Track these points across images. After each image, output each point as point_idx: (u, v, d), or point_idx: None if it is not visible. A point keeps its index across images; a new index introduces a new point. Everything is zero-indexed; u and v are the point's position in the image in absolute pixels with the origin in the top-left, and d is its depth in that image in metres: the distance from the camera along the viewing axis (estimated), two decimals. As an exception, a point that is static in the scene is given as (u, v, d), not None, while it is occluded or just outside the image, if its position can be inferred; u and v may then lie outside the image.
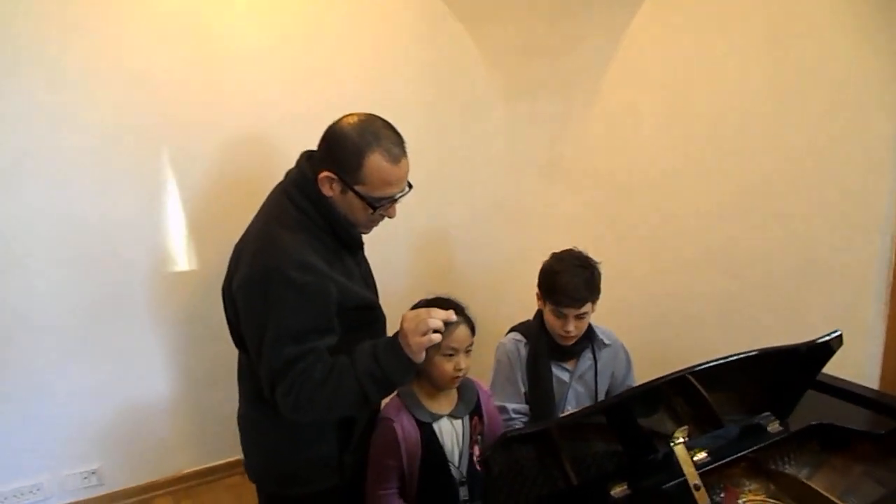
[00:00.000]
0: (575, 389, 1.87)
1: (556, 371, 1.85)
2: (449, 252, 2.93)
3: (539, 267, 1.86)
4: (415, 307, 1.58)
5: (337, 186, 1.33)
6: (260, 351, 1.27)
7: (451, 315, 1.30)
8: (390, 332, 1.52)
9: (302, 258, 1.27)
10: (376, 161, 1.29)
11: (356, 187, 1.31)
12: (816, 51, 1.82)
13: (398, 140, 1.34)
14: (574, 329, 1.75)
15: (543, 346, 1.83)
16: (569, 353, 1.84)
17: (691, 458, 1.13)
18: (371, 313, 1.47)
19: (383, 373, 1.25)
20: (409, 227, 2.75)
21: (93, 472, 2.35)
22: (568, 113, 2.73)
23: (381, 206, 1.34)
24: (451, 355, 1.48)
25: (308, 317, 1.26)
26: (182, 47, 2.18)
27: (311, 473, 1.46)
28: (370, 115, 1.35)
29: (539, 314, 1.87)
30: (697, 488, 1.04)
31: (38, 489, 2.27)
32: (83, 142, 2.11)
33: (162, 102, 2.18)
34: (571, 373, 1.85)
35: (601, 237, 2.68)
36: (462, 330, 1.49)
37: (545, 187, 2.92)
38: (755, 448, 1.27)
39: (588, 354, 1.86)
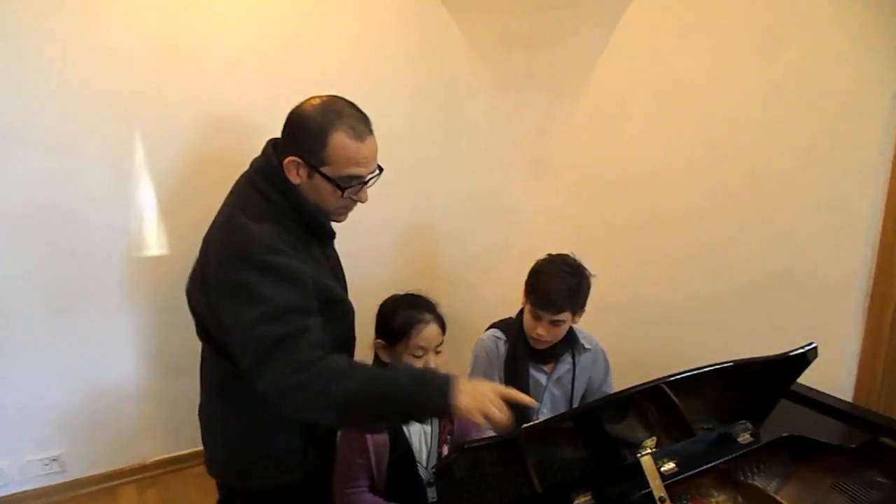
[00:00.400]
0: (551, 392, 1.84)
1: (533, 373, 1.82)
2: (431, 245, 2.88)
3: (522, 262, 1.83)
4: (384, 304, 1.55)
5: (304, 171, 1.28)
6: (245, 338, 1.19)
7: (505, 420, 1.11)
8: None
9: (270, 243, 1.22)
10: (340, 139, 1.24)
11: (322, 169, 1.26)
12: (807, 56, 1.80)
13: (363, 118, 1.30)
14: (546, 334, 1.72)
15: (522, 346, 1.80)
16: (548, 355, 1.81)
17: (659, 468, 1.11)
18: (339, 307, 1.42)
19: (427, 385, 1.14)
20: (390, 219, 2.70)
21: (54, 459, 2.30)
22: (555, 106, 2.69)
23: (350, 188, 1.29)
24: (419, 356, 1.44)
25: (291, 295, 1.20)
26: (154, 23, 2.11)
27: (274, 467, 1.42)
28: (333, 95, 1.31)
29: (521, 312, 1.84)
30: (662, 501, 1.01)
31: (-4, 475, 2.22)
32: (49, 121, 2.04)
33: (133, 81, 2.11)
34: (549, 375, 1.83)
35: (584, 233, 2.66)
36: (432, 329, 1.46)
37: (530, 181, 2.89)
38: (724, 459, 1.24)
39: (567, 358, 1.83)
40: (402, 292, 1.54)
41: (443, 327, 1.50)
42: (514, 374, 1.79)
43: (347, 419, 1.22)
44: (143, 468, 2.47)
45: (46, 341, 2.20)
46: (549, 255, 1.80)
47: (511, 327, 1.85)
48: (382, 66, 2.53)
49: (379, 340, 1.51)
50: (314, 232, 1.36)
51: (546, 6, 2.49)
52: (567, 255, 1.78)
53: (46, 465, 2.29)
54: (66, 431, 2.30)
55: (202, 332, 1.39)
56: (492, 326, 1.91)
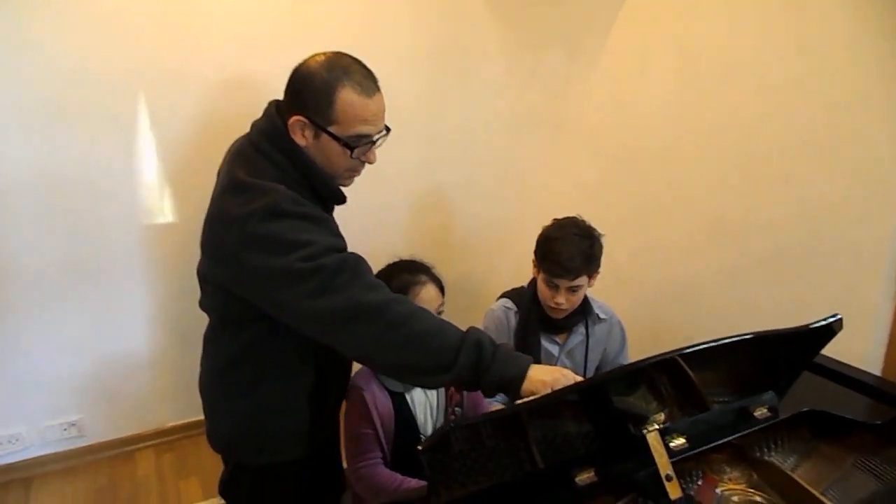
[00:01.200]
0: (563, 364, 1.79)
1: (545, 344, 1.77)
2: (444, 213, 2.82)
3: (537, 228, 1.76)
4: (378, 274, 1.50)
5: (309, 132, 1.22)
6: (291, 285, 1.10)
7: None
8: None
9: (292, 195, 1.16)
10: (348, 96, 1.18)
11: (330, 128, 1.20)
12: (835, 7, 1.67)
13: (369, 74, 1.23)
14: (565, 302, 1.66)
15: (534, 316, 1.75)
16: (560, 326, 1.76)
17: (668, 444, 1.05)
18: None
19: (493, 355, 1.06)
20: (403, 185, 2.64)
21: (73, 424, 2.34)
22: (572, 67, 2.59)
23: (358, 148, 1.23)
24: None
25: (329, 237, 1.15)
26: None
27: (278, 443, 1.39)
28: (337, 52, 1.24)
29: (533, 282, 1.78)
30: (669, 479, 0.96)
31: (16, 439, 2.26)
32: (51, 90, 2.00)
33: (136, 47, 2.06)
34: (561, 346, 1.78)
35: (602, 200, 2.58)
36: (429, 290, 1.42)
37: (546, 146, 2.80)
38: (739, 434, 1.18)
39: (580, 329, 1.77)
40: (395, 258, 1.49)
41: (441, 289, 1.46)
42: (524, 345, 1.74)
43: (412, 358, 1.08)
44: (161, 433, 2.51)
45: (61, 310, 2.21)
46: (556, 219, 1.73)
47: (522, 298, 1.79)
48: (395, 28, 2.43)
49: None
50: (323, 197, 1.30)
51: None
52: (574, 218, 1.72)
53: (65, 429, 2.33)
54: (83, 398, 2.34)
55: (211, 303, 1.35)
56: (503, 296, 1.86)
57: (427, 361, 1.07)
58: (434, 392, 1.54)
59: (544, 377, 1.04)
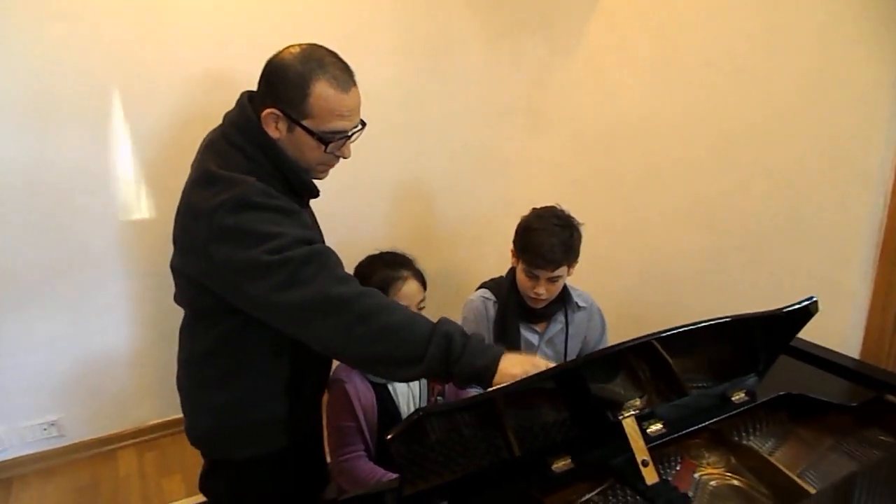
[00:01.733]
0: (544, 353, 1.78)
1: (524, 333, 1.76)
2: (425, 203, 2.81)
3: (519, 219, 1.75)
4: (359, 266, 1.49)
5: (283, 125, 1.20)
6: (260, 277, 1.08)
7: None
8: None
9: (262, 187, 1.14)
10: (322, 89, 1.16)
11: (304, 122, 1.18)
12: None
13: (345, 67, 1.20)
14: (545, 292, 1.65)
15: (513, 306, 1.74)
16: (540, 315, 1.75)
17: (645, 430, 1.05)
18: None
19: (462, 348, 1.05)
20: (383, 177, 2.63)
21: (52, 424, 2.31)
22: (551, 56, 2.57)
23: (333, 143, 1.21)
24: None
25: (298, 229, 1.13)
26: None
27: (257, 435, 1.37)
28: (313, 44, 1.21)
29: (512, 272, 1.77)
30: (645, 464, 0.96)
31: (-6, 440, 2.23)
32: (23, 86, 1.96)
33: (109, 42, 2.02)
34: (541, 336, 1.77)
35: (583, 186, 2.57)
36: (411, 285, 1.40)
37: (526, 134, 2.79)
38: (717, 419, 1.18)
39: (560, 317, 1.77)
40: (376, 251, 1.47)
41: (423, 283, 1.44)
42: (504, 335, 1.74)
43: (384, 349, 1.07)
44: (141, 431, 2.48)
45: (38, 308, 2.18)
46: (535, 209, 1.72)
47: (501, 288, 1.78)
48: (374, 19, 2.41)
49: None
50: (297, 190, 1.28)
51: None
52: (554, 208, 1.70)
53: (45, 429, 2.30)
54: (62, 397, 2.30)
55: (184, 296, 1.33)
56: (482, 286, 1.85)
57: (397, 353, 1.06)
58: (416, 383, 1.53)
59: (514, 369, 1.02)
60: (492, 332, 1.76)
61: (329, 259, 1.13)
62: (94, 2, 1.97)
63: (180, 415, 1.44)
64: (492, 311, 1.77)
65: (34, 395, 2.26)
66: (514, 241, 1.72)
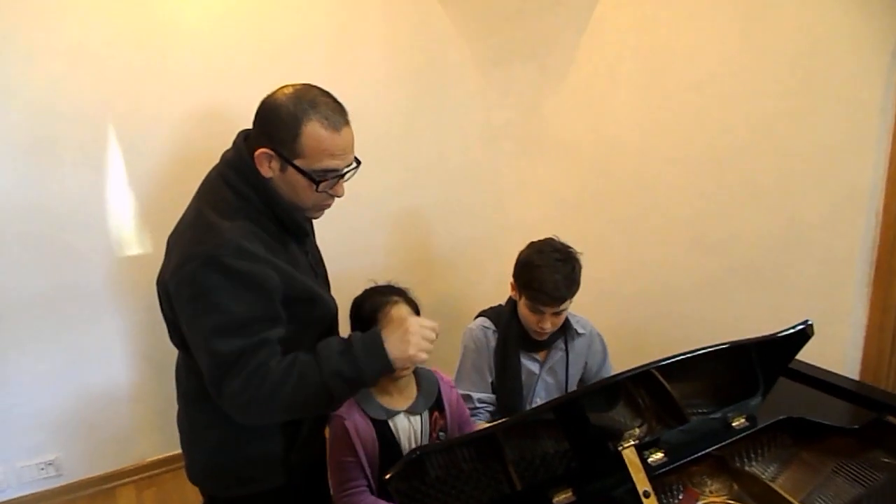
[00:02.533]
0: (545, 381, 1.78)
1: (525, 362, 1.76)
2: (423, 231, 2.82)
3: (517, 245, 1.75)
4: (355, 299, 1.49)
5: (276, 164, 1.21)
6: (203, 347, 1.16)
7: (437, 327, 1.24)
8: (342, 324, 1.43)
9: (239, 244, 1.16)
10: (314, 130, 1.17)
11: (295, 161, 1.19)
12: (798, 16, 1.70)
13: (338, 107, 1.22)
14: (550, 326, 1.66)
15: (514, 335, 1.74)
16: (540, 344, 1.75)
17: (646, 459, 1.04)
18: (319, 306, 1.36)
19: (359, 373, 1.15)
20: (381, 206, 2.64)
21: (49, 463, 2.28)
22: (544, 82, 2.60)
23: (325, 182, 1.22)
24: None
25: (252, 305, 1.15)
26: (125, 17, 2.04)
27: (255, 473, 1.37)
28: (306, 84, 1.23)
29: (511, 302, 1.77)
30: (647, 495, 0.95)
31: (-9, 482, 2.20)
32: (20, 121, 1.98)
33: (105, 78, 2.05)
34: (541, 364, 1.77)
35: (579, 213, 2.58)
36: (400, 308, 1.40)
37: (522, 161, 2.81)
38: (718, 446, 1.18)
39: (560, 345, 1.77)
40: (371, 283, 1.49)
41: (415, 309, 1.44)
42: (505, 365, 1.74)
43: (304, 412, 1.24)
44: (141, 468, 2.45)
45: (35, 345, 2.17)
46: (533, 243, 1.72)
47: (500, 317, 1.78)
48: (365, 51, 2.44)
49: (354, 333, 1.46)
50: (288, 228, 1.29)
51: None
52: (552, 240, 1.71)
53: (42, 469, 2.28)
54: (60, 435, 2.28)
55: (176, 337, 1.33)
56: (480, 315, 1.85)
57: (310, 409, 1.22)
58: (418, 418, 1.52)
59: (400, 353, 1.16)
60: (493, 361, 1.75)
61: (255, 359, 1.14)
62: (91, 39, 2.00)
63: (179, 450, 1.44)
64: (492, 341, 1.77)
65: (31, 434, 2.24)
66: (515, 276, 1.71)
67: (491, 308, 1.85)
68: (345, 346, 1.17)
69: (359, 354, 1.15)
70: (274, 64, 2.26)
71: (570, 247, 1.69)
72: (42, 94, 1.99)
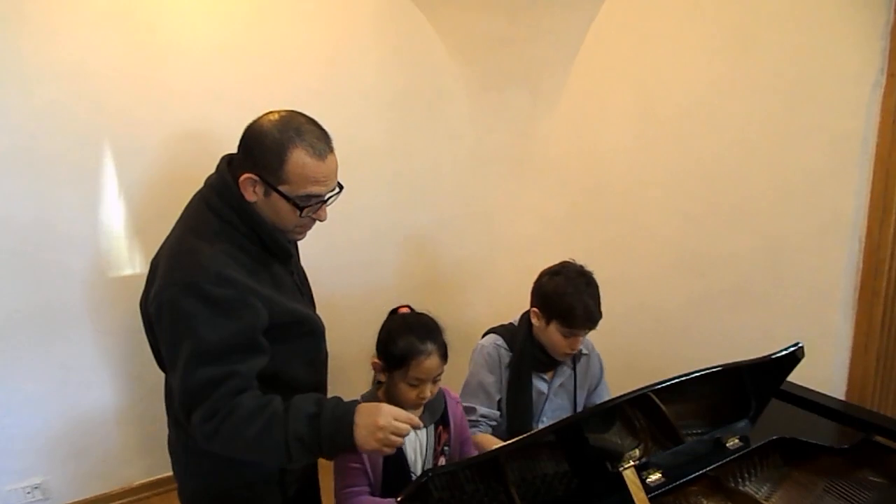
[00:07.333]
0: (553, 401, 1.80)
1: (535, 382, 1.78)
2: (416, 252, 2.84)
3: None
4: (388, 322, 1.47)
5: (260, 189, 1.23)
6: (177, 373, 1.16)
7: (417, 423, 1.24)
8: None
9: (219, 270, 1.17)
10: (299, 157, 1.19)
11: (280, 187, 1.21)
12: (785, 49, 1.77)
13: (323, 135, 1.24)
14: (580, 344, 1.71)
15: (528, 357, 1.76)
16: (548, 364, 1.78)
17: (645, 479, 1.06)
18: (306, 325, 1.36)
19: (318, 445, 1.15)
20: (374, 228, 2.65)
21: (36, 487, 2.24)
22: (535, 107, 2.66)
23: (308, 207, 1.24)
24: (415, 385, 1.38)
25: (228, 333, 1.16)
26: (118, 36, 2.05)
27: (251, 495, 1.36)
28: (292, 111, 1.26)
29: (527, 323, 1.78)
30: (648, 516, 0.97)
31: (-25, 507, 2.16)
32: (13, 139, 1.98)
33: (98, 97, 2.05)
34: (549, 383, 1.79)
35: (570, 235, 2.62)
36: (432, 361, 1.38)
37: (513, 184, 2.85)
38: (713, 466, 1.20)
39: (567, 365, 1.80)
40: (407, 309, 1.46)
41: (444, 356, 1.43)
42: (518, 383, 1.75)
43: (264, 458, 1.23)
44: (129, 492, 2.42)
45: (22, 368, 2.14)
46: (553, 271, 1.74)
47: (516, 337, 1.80)
48: (358, 75, 2.47)
49: (377, 361, 1.45)
50: (271, 251, 1.31)
51: (520, 5, 2.45)
52: (569, 264, 1.74)
53: (28, 493, 2.23)
54: (47, 458, 2.24)
55: (160, 360, 1.34)
56: (490, 332, 1.86)
57: (269, 458, 1.22)
58: (423, 431, 1.53)
59: (363, 443, 1.14)
60: (504, 380, 1.77)
61: (226, 387, 1.15)
62: (85, 62, 2.01)
63: (169, 473, 1.43)
64: (505, 359, 1.79)
65: (18, 457, 2.19)
66: (541, 306, 1.72)
67: (501, 326, 1.86)
68: (315, 412, 1.17)
69: (324, 428, 1.15)
70: (265, 86, 2.27)
71: (584, 268, 1.74)
72: (36, 117, 1.98)
